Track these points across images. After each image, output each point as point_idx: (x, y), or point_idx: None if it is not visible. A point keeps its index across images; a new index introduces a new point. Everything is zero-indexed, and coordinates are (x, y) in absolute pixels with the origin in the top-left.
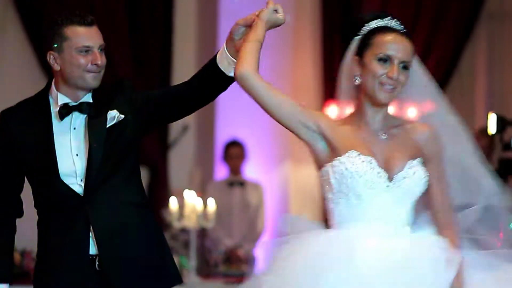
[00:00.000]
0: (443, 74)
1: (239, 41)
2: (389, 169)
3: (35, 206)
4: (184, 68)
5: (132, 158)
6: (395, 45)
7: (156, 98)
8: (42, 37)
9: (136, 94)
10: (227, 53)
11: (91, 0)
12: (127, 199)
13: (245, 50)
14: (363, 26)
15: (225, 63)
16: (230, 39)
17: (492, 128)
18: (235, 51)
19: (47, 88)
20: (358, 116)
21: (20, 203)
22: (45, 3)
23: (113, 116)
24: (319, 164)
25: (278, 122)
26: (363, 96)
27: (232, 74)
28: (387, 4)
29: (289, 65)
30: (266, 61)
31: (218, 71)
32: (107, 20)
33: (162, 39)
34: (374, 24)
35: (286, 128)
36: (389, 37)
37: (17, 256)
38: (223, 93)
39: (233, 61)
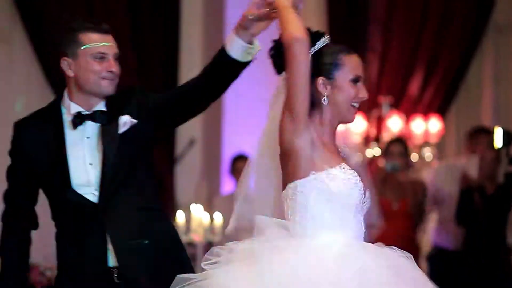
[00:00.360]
0: (450, 87)
1: (255, 28)
2: None
3: (53, 218)
4: (190, 69)
5: (146, 162)
6: (360, 65)
7: (167, 101)
8: (55, 43)
9: (148, 98)
10: (242, 41)
11: (93, 4)
12: (143, 205)
13: (290, 15)
14: (313, 46)
15: (239, 51)
16: (243, 28)
17: (498, 142)
18: (251, 36)
19: (60, 97)
20: (318, 131)
21: (35, 215)
22: (52, 13)
23: (126, 121)
24: (303, 170)
25: (292, 102)
26: (330, 114)
27: (247, 60)
28: (392, 14)
29: None
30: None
31: (230, 60)
32: (109, 23)
33: (165, 40)
34: (322, 42)
35: (290, 114)
36: (355, 57)
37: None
38: (230, 107)
39: (250, 47)
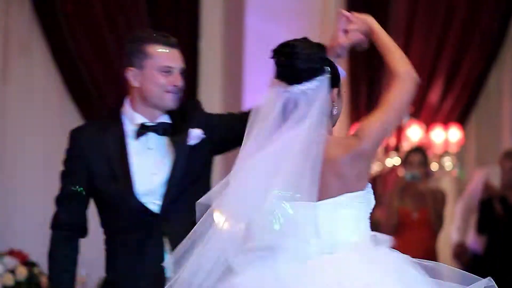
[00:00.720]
0: (470, 96)
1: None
2: None
3: (103, 226)
4: (209, 77)
5: (207, 176)
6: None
7: (229, 122)
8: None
9: (211, 114)
10: None
11: (113, 16)
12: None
13: (394, 45)
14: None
15: None
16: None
17: None
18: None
19: (119, 106)
20: None
21: (86, 222)
22: (72, 25)
23: (196, 135)
24: (365, 180)
25: (391, 122)
26: (331, 125)
27: None
28: (413, 23)
29: None
30: None
31: None
32: (128, 30)
33: (185, 49)
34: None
35: (385, 124)
36: None
37: (43, 280)
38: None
39: None
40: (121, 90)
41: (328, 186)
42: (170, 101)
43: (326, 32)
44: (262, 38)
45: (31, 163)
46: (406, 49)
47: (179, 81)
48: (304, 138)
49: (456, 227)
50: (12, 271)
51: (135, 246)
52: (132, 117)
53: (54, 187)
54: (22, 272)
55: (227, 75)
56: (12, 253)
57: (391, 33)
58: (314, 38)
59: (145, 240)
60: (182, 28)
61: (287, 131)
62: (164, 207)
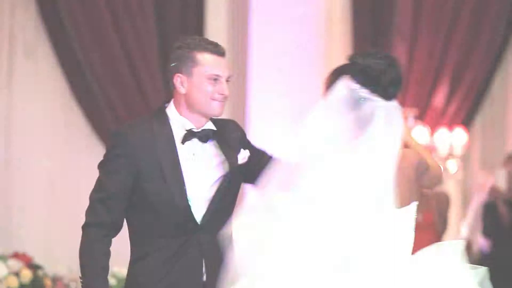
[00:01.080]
0: (474, 99)
1: None
2: None
3: (134, 228)
4: None
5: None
6: None
7: (263, 157)
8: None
9: (250, 143)
10: None
11: (121, 24)
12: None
13: (432, 157)
14: None
15: None
16: None
17: None
18: None
19: (163, 110)
20: None
21: (123, 222)
22: (77, 26)
23: (245, 156)
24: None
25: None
26: None
27: None
28: (418, 26)
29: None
30: (296, 73)
31: None
32: (134, 30)
33: None
34: None
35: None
36: None
37: (48, 283)
38: (255, 120)
39: None
40: (126, 92)
41: (400, 195)
42: (216, 108)
43: (330, 37)
44: (267, 43)
45: (36, 166)
46: (411, 50)
47: (225, 90)
48: (394, 149)
49: (467, 223)
50: (17, 274)
51: (171, 252)
52: (181, 122)
53: (58, 189)
54: (27, 275)
55: (232, 80)
56: (16, 255)
57: (396, 36)
58: (319, 42)
59: (182, 246)
60: (188, 33)
61: (387, 143)
62: (206, 216)
